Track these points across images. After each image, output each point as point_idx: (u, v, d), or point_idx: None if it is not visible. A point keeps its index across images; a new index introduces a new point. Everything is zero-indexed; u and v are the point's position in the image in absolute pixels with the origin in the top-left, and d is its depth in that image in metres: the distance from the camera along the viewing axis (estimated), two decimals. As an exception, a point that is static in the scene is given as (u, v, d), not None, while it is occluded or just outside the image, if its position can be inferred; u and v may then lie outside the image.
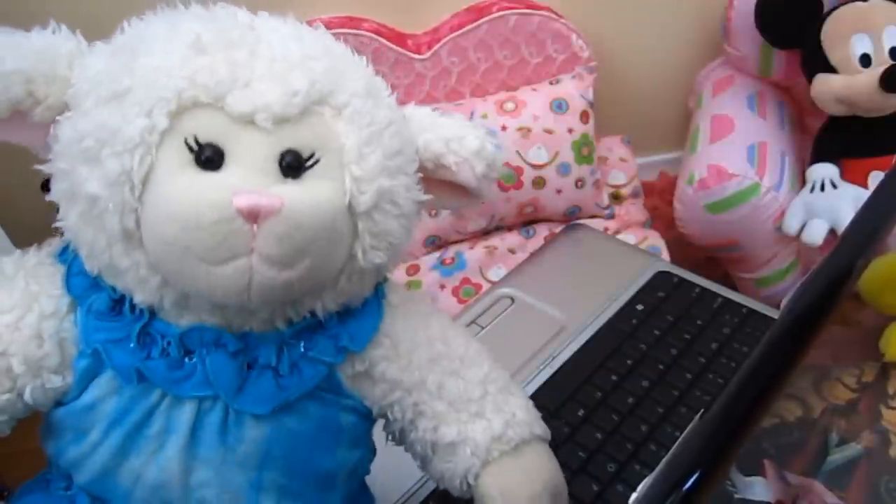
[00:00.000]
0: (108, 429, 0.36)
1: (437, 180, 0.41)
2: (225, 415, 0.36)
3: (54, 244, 0.39)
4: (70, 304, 0.37)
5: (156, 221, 0.32)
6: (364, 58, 0.39)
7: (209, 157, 0.33)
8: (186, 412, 0.36)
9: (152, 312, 0.36)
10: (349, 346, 0.39)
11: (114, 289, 0.36)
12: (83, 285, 0.37)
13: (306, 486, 0.39)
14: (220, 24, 0.35)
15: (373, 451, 0.43)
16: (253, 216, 0.31)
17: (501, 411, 0.41)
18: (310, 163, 0.34)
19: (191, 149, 0.33)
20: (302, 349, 0.38)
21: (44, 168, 0.35)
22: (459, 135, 0.41)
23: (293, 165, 0.34)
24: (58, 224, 0.36)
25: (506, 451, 0.40)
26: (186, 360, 0.36)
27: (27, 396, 0.36)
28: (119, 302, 0.36)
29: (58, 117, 0.34)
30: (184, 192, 0.32)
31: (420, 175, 0.39)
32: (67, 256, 0.38)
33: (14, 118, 0.34)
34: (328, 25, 1.03)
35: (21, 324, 0.36)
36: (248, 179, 0.33)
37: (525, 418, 0.42)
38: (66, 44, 0.35)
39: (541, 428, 0.43)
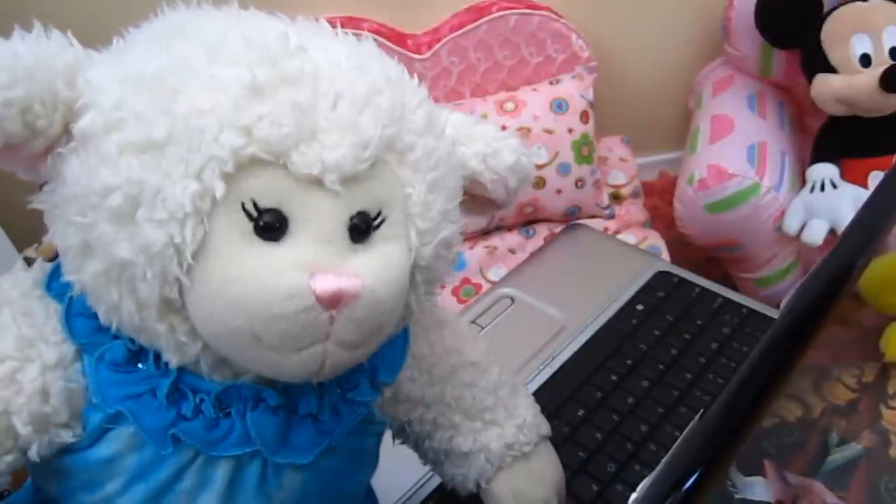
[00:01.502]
0: (130, 482, 0.33)
1: (466, 194, 0.37)
2: (264, 466, 0.34)
3: (37, 270, 0.34)
4: (75, 351, 0.32)
5: (213, 303, 0.28)
6: (413, 75, 0.35)
7: (269, 225, 0.28)
8: (223, 468, 0.33)
9: (181, 366, 0.32)
10: (385, 379, 0.37)
11: (132, 339, 0.31)
12: (88, 329, 0.32)
13: None
14: (273, 49, 0.29)
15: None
16: (334, 303, 0.27)
17: (513, 416, 0.42)
18: (377, 222, 0.30)
19: (250, 216, 0.28)
20: (339, 391, 0.35)
21: (38, 206, 0.30)
22: (496, 148, 0.37)
23: (361, 228, 0.29)
24: (69, 278, 0.30)
25: (517, 457, 0.41)
26: (223, 418, 0.32)
27: (32, 454, 0.31)
28: (138, 351, 0.32)
29: (60, 150, 0.28)
30: (251, 275, 0.27)
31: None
32: (59, 287, 0.32)
33: (4, 152, 0.28)
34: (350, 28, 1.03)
35: (20, 376, 0.31)
36: (322, 254, 0.28)
37: (533, 421, 0.42)
38: (61, 55, 0.28)
39: (545, 427, 0.44)
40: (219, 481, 0.33)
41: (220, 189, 0.27)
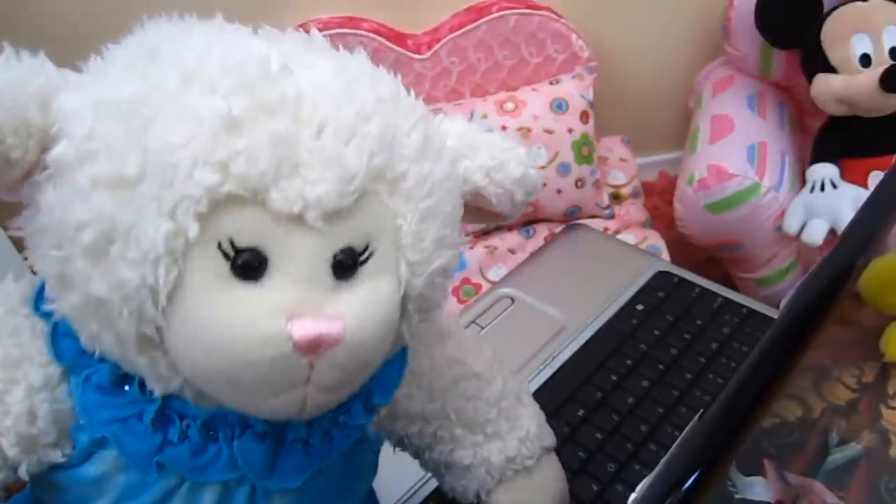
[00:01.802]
0: (119, 501, 0.32)
1: (468, 207, 0.35)
2: (252, 491, 0.33)
3: (24, 286, 0.33)
4: (62, 373, 0.31)
5: (189, 346, 0.27)
6: (410, 91, 0.32)
7: (247, 264, 0.26)
8: (209, 493, 0.32)
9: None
10: (379, 401, 0.35)
11: (117, 364, 0.30)
12: (74, 351, 0.31)
13: None
14: (251, 74, 0.27)
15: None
16: (313, 349, 0.26)
17: (515, 428, 0.41)
18: (363, 257, 0.28)
19: (226, 255, 0.26)
20: (331, 415, 0.33)
21: (16, 234, 0.29)
22: (501, 160, 0.35)
23: (346, 265, 0.28)
24: (49, 306, 0.29)
25: (518, 471, 0.41)
26: (210, 443, 0.31)
27: (22, 472, 0.31)
28: (124, 376, 0.31)
29: (36, 177, 0.27)
30: (227, 319, 0.26)
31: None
32: (46, 309, 0.31)
33: None
34: (328, 25, 1.03)
35: (7, 399, 0.30)
36: (301, 295, 0.26)
37: (536, 432, 0.41)
38: (33, 80, 0.27)
39: (550, 439, 0.43)
40: None
41: (193, 230, 0.26)
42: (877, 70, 0.87)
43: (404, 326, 0.31)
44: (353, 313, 0.27)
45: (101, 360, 0.30)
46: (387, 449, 0.43)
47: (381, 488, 0.46)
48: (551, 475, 0.43)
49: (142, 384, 0.30)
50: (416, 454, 0.41)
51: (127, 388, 0.31)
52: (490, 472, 0.40)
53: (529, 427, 0.41)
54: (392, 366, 0.36)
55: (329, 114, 0.27)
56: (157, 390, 0.30)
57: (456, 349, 0.39)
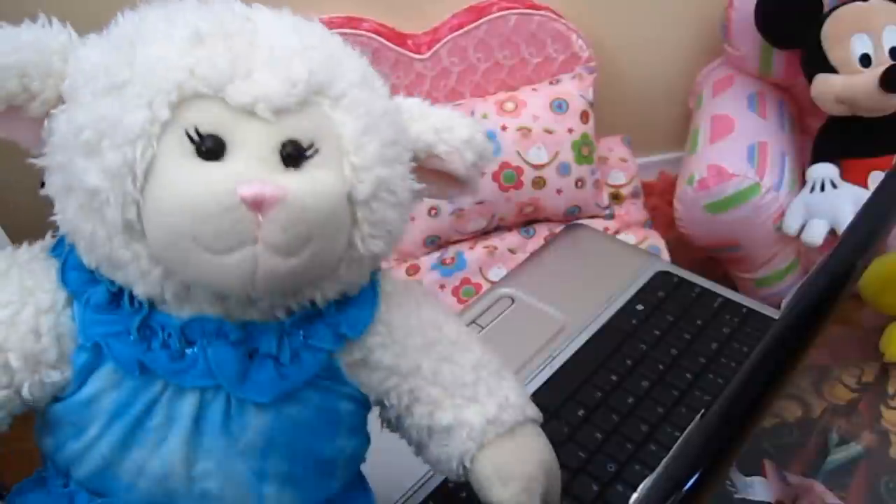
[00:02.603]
0: (109, 422, 0.36)
1: (428, 170, 0.42)
2: (227, 404, 0.37)
3: (47, 240, 0.39)
4: (67, 298, 0.37)
5: (160, 212, 0.33)
6: (357, 49, 0.40)
7: (211, 148, 0.33)
8: (189, 403, 0.36)
9: (151, 304, 0.36)
10: (348, 333, 0.39)
11: (112, 282, 0.36)
12: (80, 280, 0.36)
13: (307, 473, 0.40)
14: (218, 15, 0.35)
15: (367, 440, 0.44)
16: (258, 205, 0.32)
17: (495, 395, 0.42)
18: (310, 152, 0.35)
19: (192, 140, 0.33)
20: (302, 337, 0.38)
21: (38, 162, 0.35)
22: (449, 124, 0.41)
23: (294, 155, 0.34)
24: (54, 218, 0.36)
25: (500, 434, 0.41)
26: (188, 350, 0.36)
27: (25, 392, 0.36)
28: (117, 295, 0.36)
29: (52, 111, 0.34)
30: (188, 183, 0.32)
31: (413, 164, 0.40)
32: (62, 251, 0.37)
33: (8, 113, 0.34)
34: (328, 25, 1.03)
35: (17, 319, 0.35)
36: (251, 169, 0.33)
37: (518, 401, 0.42)
38: (58, 37, 0.35)
39: (533, 410, 0.43)
40: (185, 417, 0.36)
41: (164, 114, 0.32)
42: (877, 70, 0.87)
43: (356, 236, 0.36)
44: (295, 185, 0.33)
45: (101, 283, 0.36)
46: (387, 450, 0.43)
47: (381, 488, 0.46)
48: (537, 444, 0.43)
49: (131, 300, 0.36)
50: (399, 420, 0.42)
51: (119, 307, 0.36)
52: (471, 435, 0.41)
53: (510, 395, 0.42)
54: (363, 306, 0.40)
55: (278, 41, 0.35)
56: (141, 290, 0.35)
57: (432, 315, 0.43)
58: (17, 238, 0.37)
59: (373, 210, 0.36)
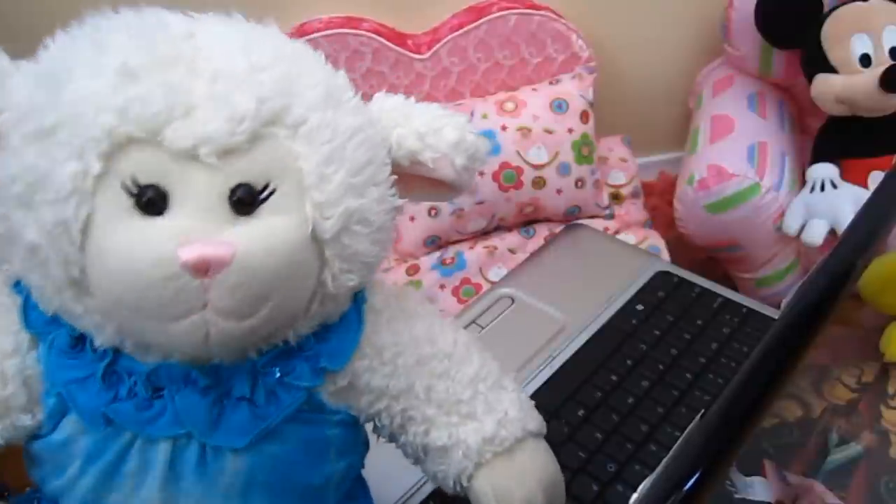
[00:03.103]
0: (84, 465, 0.35)
1: (413, 176, 0.38)
2: (203, 449, 0.35)
3: (9, 272, 0.36)
4: (31, 339, 0.34)
5: (100, 277, 0.30)
6: (321, 53, 0.36)
7: (151, 200, 0.30)
8: (161, 451, 0.34)
9: (116, 350, 0.34)
10: (328, 366, 0.36)
11: (73, 326, 0.34)
12: (42, 320, 0.34)
13: (294, 502, 0.38)
14: (151, 37, 0.31)
15: (365, 447, 0.42)
16: (202, 270, 0.29)
17: (493, 410, 0.40)
18: (264, 195, 0.31)
19: (130, 192, 0.30)
20: (277, 375, 0.35)
21: None
22: (435, 126, 0.37)
23: (245, 201, 0.31)
24: (2, 267, 0.34)
25: (498, 452, 0.39)
26: (156, 398, 0.34)
27: None
28: (81, 339, 0.34)
29: None
30: (125, 246, 0.29)
31: (394, 178, 0.36)
32: (23, 287, 0.35)
33: None
34: (328, 25, 1.03)
35: None
36: (196, 225, 0.30)
37: (517, 416, 0.40)
38: None
39: (534, 423, 0.41)
40: (159, 464, 0.34)
41: (96, 167, 0.29)
42: (877, 70, 0.87)
43: (327, 275, 0.33)
44: (244, 240, 0.30)
45: (63, 326, 0.34)
46: (387, 449, 0.43)
47: (381, 488, 0.46)
48: (538, 460, 0.41)
49: (93, 345, 0.34)
50: (392, 438, 0.41)
51: (83, 351, 0.34)
52: (467, 454, 0.39)
53: (509, 409, 0.40)
54: (345, 333, 0.37)
55: (222, 66, 0.31)
56: (98, 341, 0.33)
57: (425, 328, 0.40)
58: None
59: (344, 245, 0.33)
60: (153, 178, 0.30)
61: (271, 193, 0.31)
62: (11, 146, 0.30)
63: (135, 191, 0.30)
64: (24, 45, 0.34)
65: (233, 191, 0.30)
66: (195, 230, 0.29)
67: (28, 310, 0.35)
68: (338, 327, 0.37)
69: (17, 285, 0.35)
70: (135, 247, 0.29)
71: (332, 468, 0.39)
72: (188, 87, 0.30)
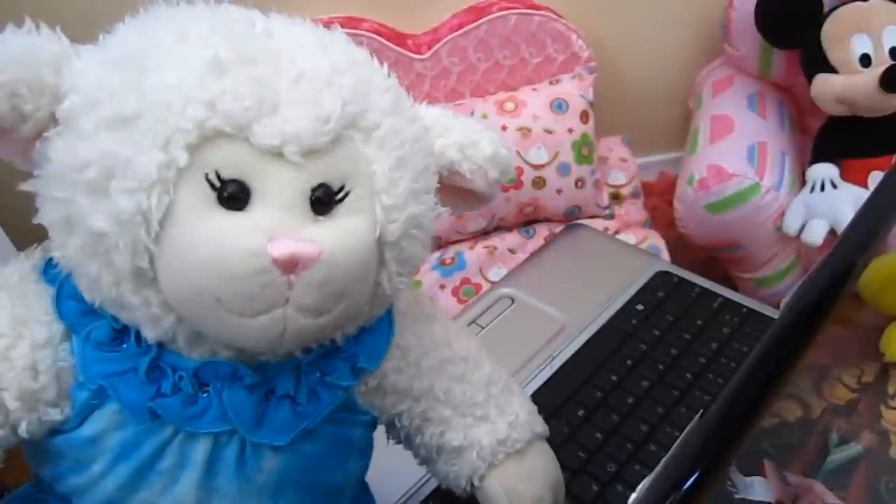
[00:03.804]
0: (114, 462, 0.34)
1: (446, 185, 0.38)
2: (242, 447, 0.34)
3: (36, 255, 0.35)
4: (64, 331, 0.33)
5: (178, 268, 0.29)
6: (384, 63, 0.36)
7: (233, 195, 0.30)
8: (201, 447, 0.34)
9: (160, 344, 0.33)
10: (366, 366, 0.37)
11: (115, 318, 0.33)
12: (76, 311, 0.33)
13: (317, 501, 0.39)
14: (237, 32, 0.31)
15: (372, 448, 0.43)
16: (291, 266, 0.29)
17: (505, 413, 0.41)
18: (340, 196, 0.31)
19: (213, 186, 0.29)
20: (318, 374, 0.36)
21: (28, 188, 0.31)
22: (474, 140, 0.38)
23: (323, 201, 0.31)
24: (54, 254, 0.32)
25: (510, 454, 0.41)
26: (201, 394, 0.33)
27: (22, 431, 0.33)
28: (122, 331, 0.33)
29: (45, 133, 0.30)
30: (212, 238, 0.29)
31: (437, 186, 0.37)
32: (54, 273, 0.34)
33: None
34: (328, 25, 1.03)
35: (12, 354, 0.32)
36: (281, 221, 0.30)
37: (527, 418, 0.42)
38: (48, 46, 0.31)
39: (540, 426, 0.43)
40: (198, 460, 0.34)
41: (183, 159, 0.29)
42: (877, 70, 0.87)
43: (384, 276, 0.34)
44: (328, 239, 0.30)
45: (101, 317, 0.33)
46: (387, 449, 0.43)
47: (381, 488, 0.46)
48: (544, 462, 0.43)
49: (138, 337, 0.33)
50: (409, 439, 0.42)
51: (124, 345, 0.33)
52: (481, 455, 0.40)
53: (519, 412, 0.42)
54: (378, 334, 0.38)
55: (306, 66, 0.31)
56: (151, 335, 0.32)
57: (442, 332, 0.41)
58: (17, 239, 0.35)
59: (402, 249, 0.34)
60: (237, 174, 0.30)
61: (346, 195, 0.32)
62: (82, 131, 0.29)
63: (218, 184, 0.29)
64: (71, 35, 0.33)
65: (313, 190, 0.31)
66: (281, 226, 0.30)
67: (61, 300, 0.34)
68: (372, 328, 0.38)
69: (47, 273, 0.35)
70: (223, 238, 0.29)
71: (352, 468, 0.40)
72: (276, 85, 0.30)
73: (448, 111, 0.40)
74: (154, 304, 0.31)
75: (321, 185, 0.31)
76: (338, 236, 0.30)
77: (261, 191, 0.30)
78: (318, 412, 0.36)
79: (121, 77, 0.30)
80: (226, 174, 0.29)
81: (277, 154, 0.30)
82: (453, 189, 0.39)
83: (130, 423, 0.33)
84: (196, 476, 0.34)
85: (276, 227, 0.29)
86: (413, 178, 0.33)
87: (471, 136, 0.38)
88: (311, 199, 0.31)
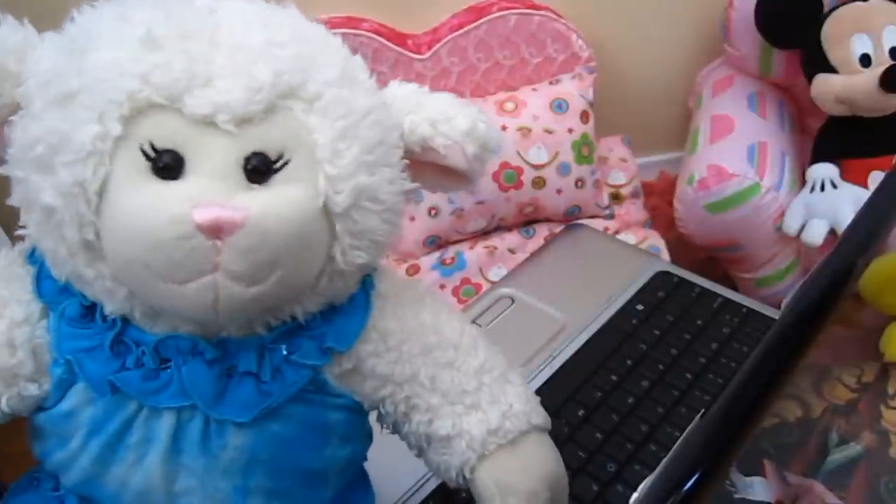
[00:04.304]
0: (88, 437, 0.35)
1: (425, 163, 0.38)
2: (206, 423, 0.35)
3: (27, 243, 0.37)
4: (42, 309, 0.35)
5: (114, 237, 0.31)
6: (339, 38, 0.37)
7: (167, 165, 0.30)
8: (166, 422, 0.35)
9: (125, 319, 0.34)
10: (334, 346, 0.37)
11: (84, 295, 0.34)
12: (54, 289, 0.35)
13: (294, 486, 0.38)
14: (175, 10, 0.32)
15: (369, 438, 0.42)
16: (215, 231, 0.29)
17: (498, 402, 0.39)
18: (278, 165, 0.32)
19: (147, 156, 0.30)
20: (284, 352, 0.36)
21: (1, 171, 0.33)
22: (448, 115, 0.38)
23: (260, 170, 0.31)
24: (20, 232, 0.34)
25: (502, 445, 0.39)
26: (162, 369, 0.34)
27: (3, 405, 0.34)
28: (91, 308, 0.34)
29: (11, 117, 0.32)
30: (140, 206, 0.30)
31: (406, 162, 0.37)
32: (38, 258, 0.36)
33: None
34: (328, 25, 1.03)
35: None
36: (210, 189, 0.30)
37: (522, 409, 0.40)
38: (12, 35, 0.33)
39: (539, 417, 0.41)
40: (163, 436, 0.35)
41: (116, 130, 0.30)
42: (877, 70, 0.87)
43: (336, 249, 0.34)
44: (257, 205, 0.30)
45: (74, 295, 0.34)
46: (387, 449, 0.43)
47: (381, 487, 0.46)
48: (541, 454, 0.41)
49: (104, 314, 0.34)
50: (397, 427, 0.41)
51: (94, 321, 0.34)
52: (471, 445, 0.39)
53: (514, 403, 0.40)
54: (352, 315, 0.38)
55: (242, 40, 0.32)
56: (109, 308, 0.34)
57: (432, 317, 0.40)
58: (18, 238, 0.36)
59: (354, 221, 0.34)
60: (170, 144, 0.31)
61: (285, 164, 0.32)
62: (34, 111, 0.31)
63: (152, 155, 0.30)
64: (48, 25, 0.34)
65: (247, 159, 0.31)
66: (210, 194, 0.30)
67: (41, 279, 0.35)
68: (345, 309, 0.37)
69: (32, 256, 0.36)
70: (150, 207, 0.30)
71: (333, 454, 0.39)
72: (209, 58, 0.31)
73: (424, 88, 0.39)
74: (107, 278, 0.32)
75: (257, 154, 0.31)
76: (269, 203, 0.31)
77: (194, 160, 0.31)
78: (283, 391, 0.36)
79: (66, 59, 0.31)
80: (160, 144, 0.30)
81: (211, 124, 0.31)
82: (433, 167, 0.39)
83: (98, 398, 0.34)
84: (162, 451, 0.35)
85: (202, 195, 0.30)
86: (363, 150, 0.33)
87: (445, 111, 0.38)
88: (246, 167, 0.31)
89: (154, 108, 0.31)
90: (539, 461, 0.40)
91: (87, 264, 0.32)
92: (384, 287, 0.40)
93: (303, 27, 0.35)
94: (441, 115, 0.38)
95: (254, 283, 0.31)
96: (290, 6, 0.36)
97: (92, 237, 0.31)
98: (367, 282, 0.39)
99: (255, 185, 0.31)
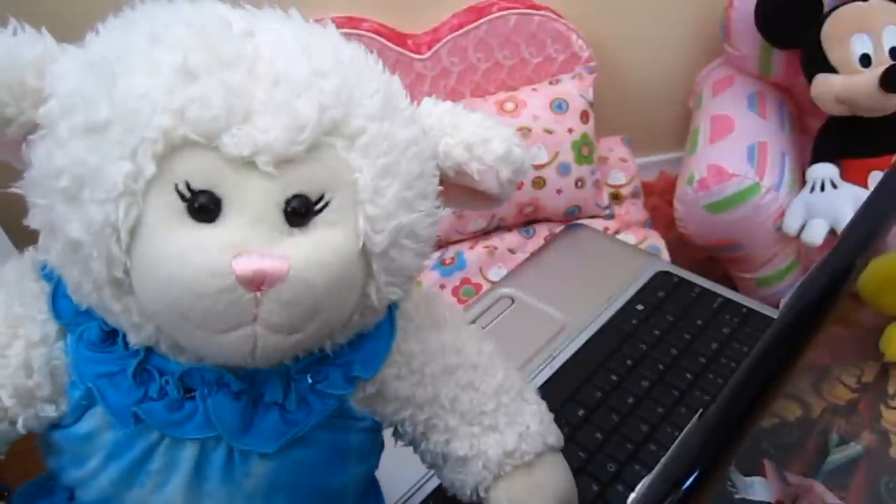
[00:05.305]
0: (107, 460, 0.34)
1: (455, 185, 0.37)
2: (229, 452, 0.34)
3: (39, 253, 0.35)
4: (59, 329, 0.34)
5: (147, 281, 0.29)
6: (375, 56, 0.35)
7: (204, 206, 0.29)
8: (188, 452, 0.34)
9: (148, 348, 0.33)
10: (361, 374, 0.36)
11: (104, 320, 0.33)
12: (71, 310, 0.33)
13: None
14: (212, 34, 0.30)
15: (382, 448, 0.42)
16: (257, 284, 0.28)
17: (515, 424, 0.40)
18: (318, 206, 0.30)
19: (183, 197, 0.29)
20: (309, 381, 0.35)
21: (18, 190, 0.31)
22: (484, 138, 0.36)
23: (300, 212, 0.30)
24: (40, 256, 0.33)
25: (518, 466, 0.40)
26: (187, 399, 0.33)
27: (20, 426, 0.33)
28: (112, 333, 0.33)
29: (30, 137, 0.30)
30: (178, 252, 0.28)
31: (440, 188, 0.35)
32: (52, 275, 0.34)
33: None
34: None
35: (7, 352, 0.33)
36: (251, 236, 0.29)
37: (538, 430, 0.40)
38: (31, 48, 0.30)
39: (554, 437, 0.41)
40: (186, 465, 0.34)
41: (150, 169, 0.28)
42: (877, 70, 0.87)
43: (371, 288, 0.32)
44: (300, 255, 0.29)
45: (94, 318, 0.33)
46: (387, 449, 0.43)
47: (382, 486, 0.46)
48: (555, 475, 0.41)
49: (126, 340, 0.33)
50: (413, 444, 0.41)
51: (115, 346, 0.33)
52: (487, 466, 0.39)
53: (531, 423, 0.40)
54: (378, 341, 0.37)
55: (284, 70, 0.30)
56: (133, 340, 0.32)
57: (452, 337, 0.40)
58: (18, 238, 0.35)
59: (391, 259, 0.32)
60: (207, 184, 0.29)
61: (326, 205, 0.30)
62: (58, 137, 0.29)
63: (188, 195, 0.29)
64: (63, 32, 0.33)
65: (288, 201, 0.29)
66: (250, 241, 0.28)
67: (57, 299, 0.34)
68: (371, 335, 0.36)
69: (45, 269, 0.34)
70: (188, 255, 0.28)
71: (353, 472, 0.39)
72: (248, 91, 0.29)
73: (458, 106, 0.37)
74: (134, 313, 0.31)
75: (297, 196, 0.29)
76: (311, 251, 0.29)
77: (232, 202, 0.29)
78: (309, 420, 0.35)
79: (94, 83, 0.29)
80: (196, 185, 0.29)
81: (250, 164, 0.29)
82: (462, 189, 0.37)
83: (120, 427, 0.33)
84: (184, 479, 0.34)
85: (243, 242, 0.28)
86: (404, 186, 0.32)
87: (480, 133, 0.36)
88: (286, 210, 0.29)
89: (190, 145, 0.28)
90: (553, 482, 0.41)
91: (113, 298, 0.30)
92: (408, 307, 0.39)
93: (342, 49, 0.33)
94: (477, 139, 0.36)
95: (293, 332, 0.30)
96: (327, 24, 0.34)
97: (121, 275, 0.29)
98: (391, 304, 0.37)
99: (296, 229, 0.30)
